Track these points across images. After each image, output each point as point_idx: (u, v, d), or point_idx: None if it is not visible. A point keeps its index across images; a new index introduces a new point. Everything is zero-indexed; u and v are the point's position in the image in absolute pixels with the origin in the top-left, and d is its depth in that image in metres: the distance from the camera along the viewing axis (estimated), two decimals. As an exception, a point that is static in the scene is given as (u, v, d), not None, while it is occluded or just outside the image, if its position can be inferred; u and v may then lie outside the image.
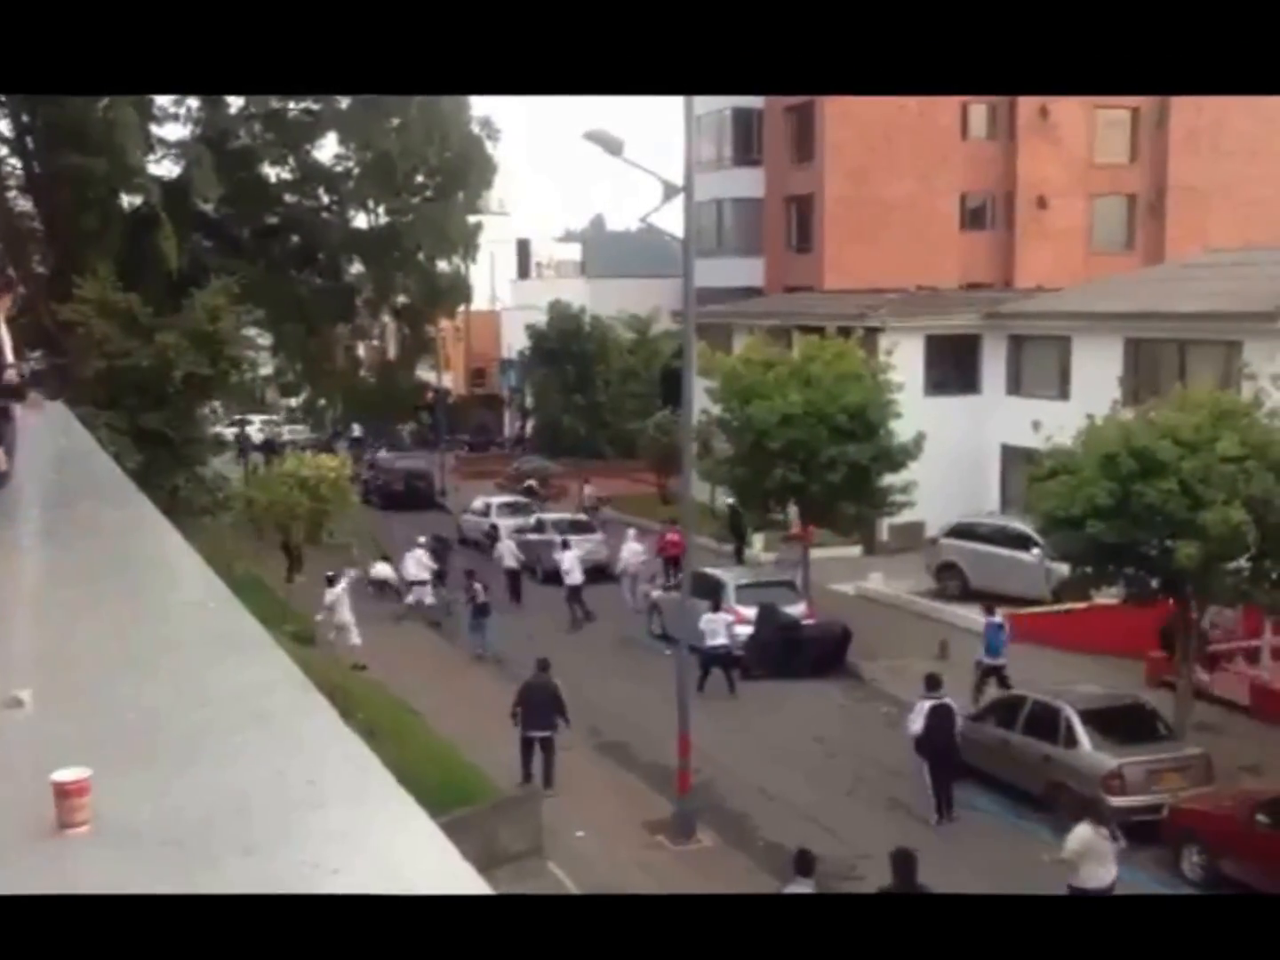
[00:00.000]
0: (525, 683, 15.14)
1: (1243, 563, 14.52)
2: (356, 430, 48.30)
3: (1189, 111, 37.60)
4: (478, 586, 21.39)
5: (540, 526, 27.67)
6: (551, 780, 14.56)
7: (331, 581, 20.28)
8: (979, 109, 37.94)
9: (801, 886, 10.56)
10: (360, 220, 32.23)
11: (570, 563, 22.94)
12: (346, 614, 20.01)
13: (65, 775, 2.35)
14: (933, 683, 14.30)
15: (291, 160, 30.38)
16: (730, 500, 24.02)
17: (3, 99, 21.78)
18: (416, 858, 2.25)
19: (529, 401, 46.98)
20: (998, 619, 17.72)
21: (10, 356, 6.03)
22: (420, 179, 31.79)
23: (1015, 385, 25.99)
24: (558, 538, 25.27)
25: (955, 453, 24.23)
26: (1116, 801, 13.30)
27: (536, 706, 14.62)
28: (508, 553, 24.65)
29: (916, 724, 13.95)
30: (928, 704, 13.98)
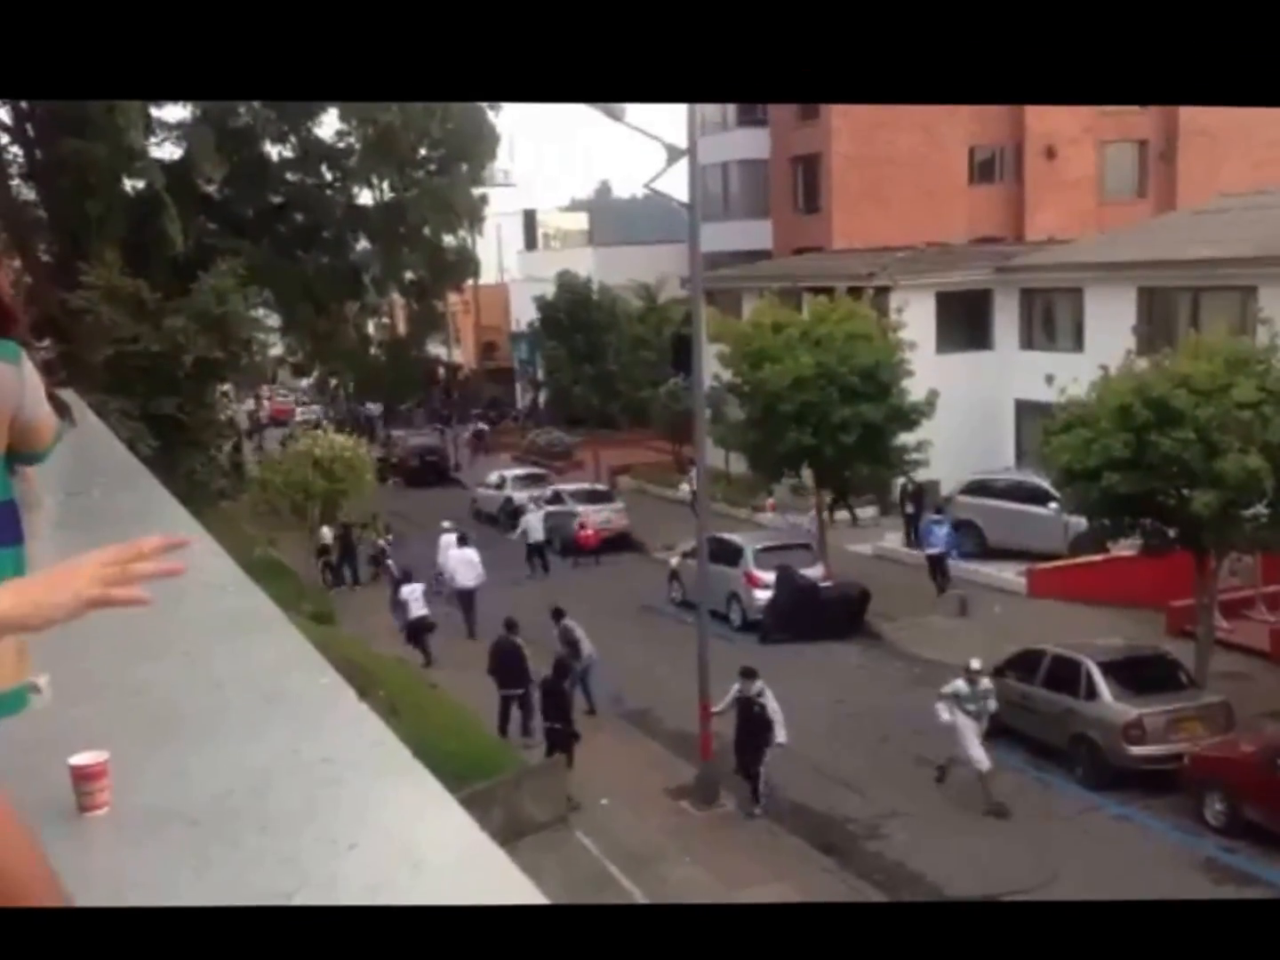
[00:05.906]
0: (495, 642, 15.81)
1: (1261, 509, 14.43)
2: (315, 410, 47.32)
3: (1199, 54, 36.96)
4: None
5: (557, 498, 27.75)
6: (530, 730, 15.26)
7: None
8: (984, 60, 37.40)
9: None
10: (365, 196, 32.08)
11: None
12: None
13: (83, 759, 2.37)
14: (747, 673, 13.87)
15: (293, 138, 30.20)
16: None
17: None
18: (434, 831, 2.26)
19: (540, 373, 46.92)
20: (936, 517, 21.09)
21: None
22: (423, 153, 31.60)
23: (1028, 339, 25.75)
24: (578, 508, 26.41)
25: (969, 409, 24.08)
26: (1136, 750, 13.35)
27: (509, 666, 15.28)
28: (535, 526, 25.05)
29: (723, 706, 13.71)
30: (734, 695, 13.74)
